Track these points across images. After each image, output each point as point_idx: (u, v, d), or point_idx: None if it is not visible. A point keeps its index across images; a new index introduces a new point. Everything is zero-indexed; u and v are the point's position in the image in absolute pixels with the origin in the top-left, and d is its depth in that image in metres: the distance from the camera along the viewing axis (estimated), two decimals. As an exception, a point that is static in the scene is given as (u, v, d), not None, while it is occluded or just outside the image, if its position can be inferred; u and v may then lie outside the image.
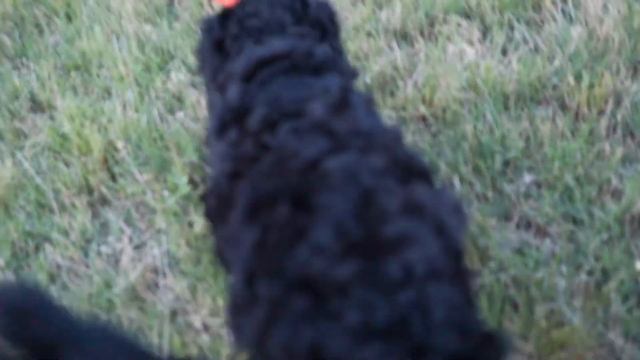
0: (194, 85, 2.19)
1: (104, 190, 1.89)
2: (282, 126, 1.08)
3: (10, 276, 1.71)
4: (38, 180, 1.94)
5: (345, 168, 0.95)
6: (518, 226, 1.66)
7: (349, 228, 0.87)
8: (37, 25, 2.65)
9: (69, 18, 2.65)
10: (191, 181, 1.86)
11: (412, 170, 1.01)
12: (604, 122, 1.84)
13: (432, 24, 2.31)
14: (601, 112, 1.90)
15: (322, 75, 1.25)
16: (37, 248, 1.78)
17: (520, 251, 1.59)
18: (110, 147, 2.00)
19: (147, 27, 2.47)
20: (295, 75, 1.24)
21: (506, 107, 1.96)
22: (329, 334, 0.80)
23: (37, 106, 2.25)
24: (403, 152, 1.07)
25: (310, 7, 1.45)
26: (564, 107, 1.94)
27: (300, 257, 0.85)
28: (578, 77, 1.97)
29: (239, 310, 0.93)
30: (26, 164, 1.98)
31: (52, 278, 1.69)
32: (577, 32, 2.11)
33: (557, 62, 2.05)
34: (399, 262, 0.83)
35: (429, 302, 0.81)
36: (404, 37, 2.30)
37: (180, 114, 2.08)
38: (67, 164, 1.98)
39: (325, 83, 1.22)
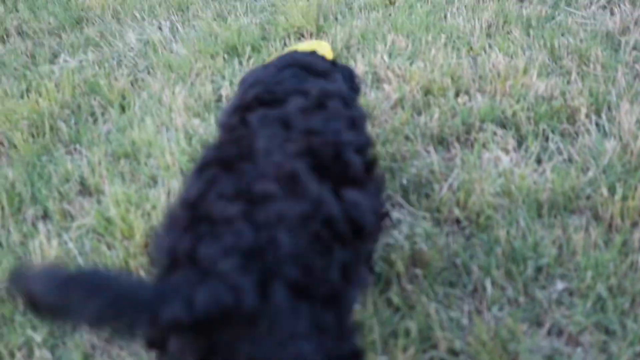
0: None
1: (143, 273, 1.95)
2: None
3: (46, 354, 1.75)
4: (80, 260, 2.01)
5: (266, 149, 1.34)
6: (549, 333, 1.66)
7: (244, 184, 1.25)
8: (93, 114, 2.80)
9: (122, 109, 2.81)
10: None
11: (324, 164, 1.36)
12: (637, 234, 1.86)
13: (468, 131, 2.39)
14: (634, 224, 1.92)
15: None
16: (75, 327, 1.82)
17: (550, 358, 1.58)
18: (152, 233, 2.07)
19: (196, 121, 2.60)
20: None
21: (540, 215, 2.00)
22: (206, 245, 1.14)
23: (85, 190, 2.35)
24: (331, 152, 1.41)
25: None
26: (597, 217, 1.97)
27: (209, 199, 1.24)
28: (612, 189, 2.01)
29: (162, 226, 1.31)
30: (71, 245, 2.06)
31: (86, 358, 1.73)
32: (611, 145, 2.16)
33: (590, 173, 2.09)
34: (265, 210, 1.19)
35: (280, 241, 1.15)
36: (440, 142, 2.37)
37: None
38: (109, 247, 2.05)
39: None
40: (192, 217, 1.22)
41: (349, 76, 1.95)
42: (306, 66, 1.77)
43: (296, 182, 1.28)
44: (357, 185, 1.41)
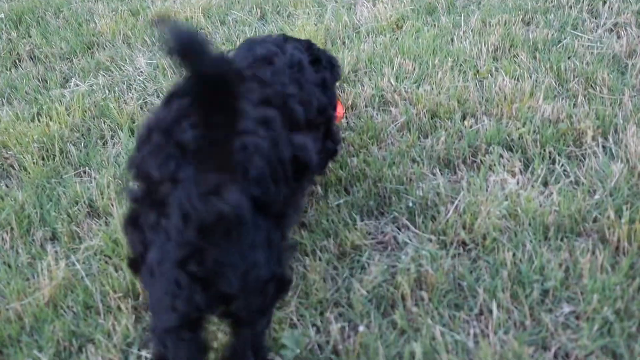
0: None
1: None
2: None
3: (51, 375, 1.76)
4: (87, 282, 2.02)
5: None
6: (556, 357, 1.64)
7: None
8: (102, 137, 2.83)
9: (131, 132, 2.83)
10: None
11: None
12: (644, 257, 1.85)
13: (474, 154, 2.39)
14: (642, 247, 1.91)
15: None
16: (80, 348, 1.83)
17: (558, 383, 1.57)
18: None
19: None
20: None
21: (546, 237, 1.99)
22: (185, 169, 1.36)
23: (94, 212, 2.37)
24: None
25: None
26: (604, 240, 1.96)
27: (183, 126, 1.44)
28: (619, 212, 2.01)
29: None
30: (78, 266, 2.08)
31: (91, 379, 1.73)
32: (617, 168, 2.16)
33: (597, 196, 2.09)
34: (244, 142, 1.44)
35: (254, 165, 1.43)
36: (447, 164, 2.38)
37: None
38: (116, 268, 2.06)
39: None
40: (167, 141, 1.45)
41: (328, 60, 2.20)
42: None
43: (269, 125, 1.56)
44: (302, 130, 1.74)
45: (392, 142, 2.50)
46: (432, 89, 2.79)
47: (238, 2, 4.03)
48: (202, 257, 1.37)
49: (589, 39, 3.03)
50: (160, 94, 3.11)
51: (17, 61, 3.69)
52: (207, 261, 1.37)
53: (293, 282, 1.84)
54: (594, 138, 2.36)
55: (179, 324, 1.42)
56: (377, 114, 2.69)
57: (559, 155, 2.31)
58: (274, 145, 1.54)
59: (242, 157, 1.43)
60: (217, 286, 1.40)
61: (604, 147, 2.33)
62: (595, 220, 2.03)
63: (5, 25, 4.09)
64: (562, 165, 2.26)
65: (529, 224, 2.03)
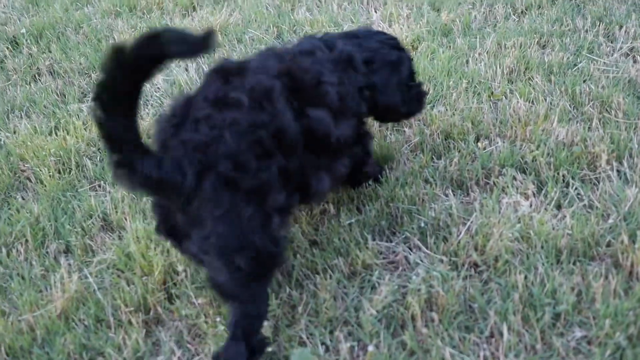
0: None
1: (159, 310, 1.97)
2: None
3: (60, 387, 1.77)
4: (99, 295, 2.03)
5: (255, 67, 1.80)
6: (567, 382, 1.63)
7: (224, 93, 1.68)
8: (118, 152, 2.86)
9: (147, 147, 2.86)
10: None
11: (298, 87, 1.81)
12: (658, 283, 1.83)
13: (488, 176, 2.39)
14: (655, 273, 1.89)
15: None
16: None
17: (568, 408, 1.55)
18: (170, 270, 2.09)
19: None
20: None
21: (558, 261, 1.98)
22: (174, 136, 1.59)
23: (107, 226, 2.39)
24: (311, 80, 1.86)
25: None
26: (617, 265, 1.94)
27: (197, 99, 1.69)
28: (632, 237, 1.99)
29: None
30: (91, 279, 2.09)
31: (100, 392, 1.74)
32: (632, 192, 2.15)
33: (611, 220, 2.07)
34: (223, 115, 1.62)
35: (224, 140, 1.58)
36: (460, 185, 2.38)
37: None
38: (128, 282, 2.07)
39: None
40: (181, 113, 1.64)
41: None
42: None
43: (267, 97, 1.68)
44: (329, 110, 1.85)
45: (405, 163, 2.50)
46: (447, 110, 2.80)
47: (255, 20, 4.07)
48: (171, 220, 1.69)
49: (604, 62, 3.03)
50: (176, 110, 3.13)
51: (36, 75, 3.74)
52: (177, 223, 1.67)
53: (282, 262, 1.87)
54: (608, 162, 2.35)
55: None
56: (390, 134, 2.69)
57: (572, 178, 2.30)
58: (265, 119, 1.66)
59: (209, 133, 1.58)
60: (185, 246, 1.71)
61: (618, 171, 2.32)
62: (608, 245, 2.01)
63: (27, 40, 4.15)
64: (576, 188, 2.26)
65: (542, 247, 2.02)
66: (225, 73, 1.73)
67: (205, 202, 1.56)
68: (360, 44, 2.15)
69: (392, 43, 2.25)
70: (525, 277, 1.91)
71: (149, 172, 1.46)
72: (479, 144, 2.53)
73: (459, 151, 2.51)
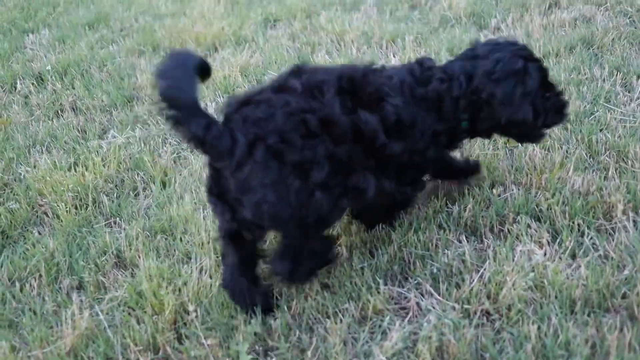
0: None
1: (169, 350, 1.96)
2: None
3: None
4: (109, 333, 2.03)
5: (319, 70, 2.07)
6: None
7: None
8: (134, 189, 2.90)
9: (163, 185, 2.89)
10: (253, 350, 1.91)
11: (356, 91, 2.03)
12: (674, 338, 1.80)
13: (502, 223, 2.38)
14: (671, 327, 1.86)
15: None
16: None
17: None
18: (181, 309, 2.09)
19: (233, 200, 2.65)
20: None
21: (572, 312, 1.95)
22: (237, 114, 1.87)
23: (121, 263, 2.41)
24: (372, 91, 2.06)
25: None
26: (633, 317, 1.91)
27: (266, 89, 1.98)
28: (648, 289, 1.96)
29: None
30: (102, 316, 2.10)
31: None
32: (648, 243, 2.13)
33: (626, 271, 2.05)
34: (279, 99, 1.90)
35: (275, 118, 1.84)
36: (473, 232, 2.37)
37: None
38: (139, 321, 2.07)
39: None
40: (250, 96, 1.92)
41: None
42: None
43: (319, 89, 1.93)
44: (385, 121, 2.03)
45: (419, 208, 2.50)
46: (462, 156, 2.80)
47: (275, 62, 4.13)
48: (223, 184, 1.91)
49: (621, 112, 3.03)
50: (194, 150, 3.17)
51: (59, 111, 3.82)
52: (229, 189, 1.88)
53: (330, 224, 2.14)
54: (624, 212, 2.33)
55: (223, 235, 2.06)
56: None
57: (588, 228, 2.28)
58: (313, 105, 1.90)
59: (266, 111, 1.85)
60: (238, 213, 1.90)
61: (634, 221, 2.30)
62: (624, 297, 1.98)
63: (52, 77, 4.25)
64: (591, 238, 2.24)
65: (555, 297, 1.99)
66: (299, 71, 2.01)
67: (256, 169, 1.80)
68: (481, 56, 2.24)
69: (521, 53, 2.24)
70: (539, 328, 1.89)
71: (195, 132, 1.75)
72: (494, 190, 2.53)
73: (474, 197, 2.51)
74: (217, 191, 1.95)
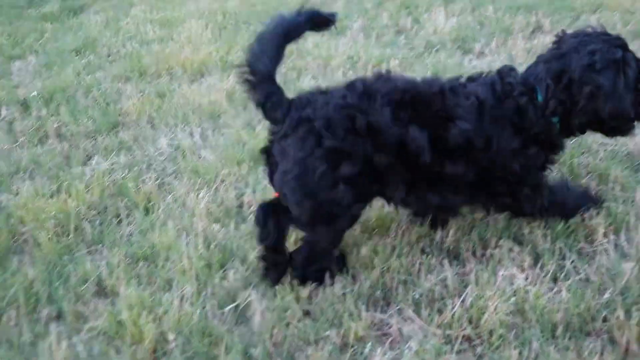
0: (247, 285, 2.29)
1: (147, 380, 1.94)
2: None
3: None
4: (88, 363, 2.01)
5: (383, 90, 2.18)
6: None
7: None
8: (117, 216, 2.88)
9: (147, 211, 2.88)
10: (232, 380, 1.89)
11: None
12: (655, 362, 1.79)
13: (484, 247, 2.38)
14: (652, 351, 1.85)
15: None
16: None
17: None
18: (161, 338, 2.07)
19: (216, 226, 2.65)
20: None
21: (554, 336, 1.95)
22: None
23: (101, 291, 2.38)
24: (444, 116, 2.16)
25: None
26: (613, 341, 1.91)
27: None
28: (628, 312, 1.96)
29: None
30: (80, 348, 2.07)
31: None
32: (629, 266, 2.12)
33: (607, 295, 2.05)
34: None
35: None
36: (456, 256, 2.37)
37: (230, 310, 2.17)
38: (117, 351, 2.05)
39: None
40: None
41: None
42: None
43: (371, 94, 2.13)
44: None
45: (402, 233, 2.49)
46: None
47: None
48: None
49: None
50: (178, 175, 3.17)
51: (43, 137, 3.80)
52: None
53: (342, 215, 2.20)
54: (605, 235, 2.34)
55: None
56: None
57: (569, 251, 2.29)
58: (362, 107, 2.10)
59: (326, 101, 2.12)
60: (274, 178, 2.18)
61: (615, 244, 2.30)
62: (604, 320, 1.98)
63: (37, 103, 4.24)
64: (573, 261, 2.24)
65: (537, 321, 1.99)
66: (379, 76, 2.23)
67: (294, 142, 2.06)
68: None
69: (617, 42, 2.20)
70: (520, 353, 1.88)
71: (259, 97, 2.11)
72: (476, 214, 2.53)
73: (456, 222, 2.50)
74: (268, 154, 2.21)
